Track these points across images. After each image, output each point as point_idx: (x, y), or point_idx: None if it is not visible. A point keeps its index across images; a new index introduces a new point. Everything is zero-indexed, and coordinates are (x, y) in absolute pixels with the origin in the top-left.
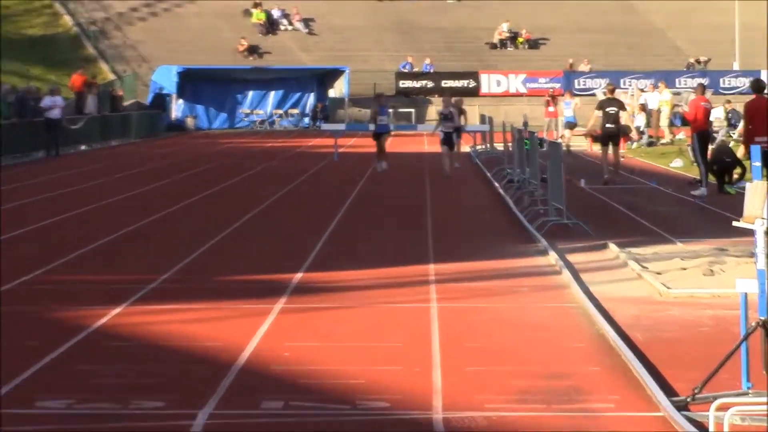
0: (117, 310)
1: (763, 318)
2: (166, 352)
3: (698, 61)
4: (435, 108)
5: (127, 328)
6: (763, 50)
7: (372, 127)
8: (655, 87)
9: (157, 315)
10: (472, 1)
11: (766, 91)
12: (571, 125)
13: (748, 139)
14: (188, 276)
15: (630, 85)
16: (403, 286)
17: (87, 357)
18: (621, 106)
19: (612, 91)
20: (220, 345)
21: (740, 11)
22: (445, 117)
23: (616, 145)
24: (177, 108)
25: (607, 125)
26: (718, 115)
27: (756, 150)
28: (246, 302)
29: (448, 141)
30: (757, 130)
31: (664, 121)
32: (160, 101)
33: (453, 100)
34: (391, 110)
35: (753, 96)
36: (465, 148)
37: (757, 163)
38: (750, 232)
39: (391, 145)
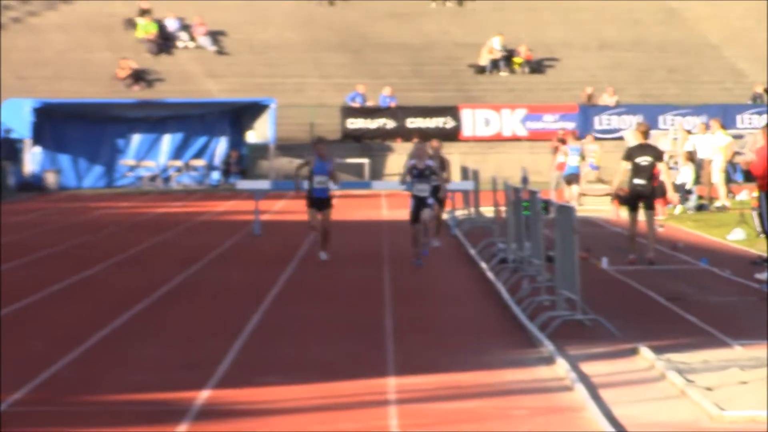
0: None
1: None
2: None
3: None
4: (399, 159)
5: None
6: None
7: (305, 186)
8: (708, 127)
9: None
10: (451, 1)
11: None
12: (572, 178)
13: None
14: (49, 395)
15: (673, 125)
16: (350, 408)
17: None
18: (658, 155)
19: (645, 134)
20: None
21: None
22: (419, 174)
23: (651, 209)
24: (32, 159)
25: (637, 181)
26: None
27: None
28: (130, 431)
29: (423, 206)
30: None
31: (717, 176)
32: (9, 149)
33: (433, 145)
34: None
35: None
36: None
37: None
38: None
39: (336, 210)
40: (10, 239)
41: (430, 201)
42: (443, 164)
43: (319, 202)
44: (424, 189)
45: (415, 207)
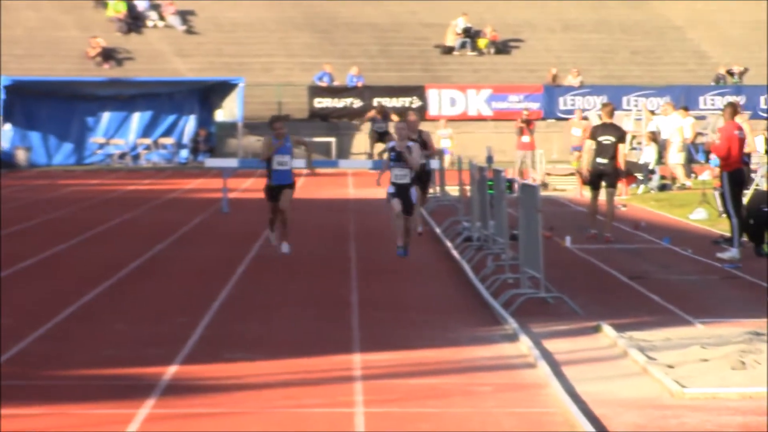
0: None
1: None
2: None
3: (731, 73)
4: (365, 137)
5: None
6: None
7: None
8: (676, 107)
9: None
10: None
11: None
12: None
13: None
14: (17, 369)
15: (636, 106)
16: (316, 384)
17: None
18: (621, 135)
19: (610, 114)
20: None
21: None
22: (398, 157)
23: (612, 187)
24: (3, 136)
25: (599, 160)
26: (757, 148)
27: None
28: (99, 405)
29: (404, 199)
30: None
31: (675, 157)
32: None
33: (411, 119)
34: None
35: None
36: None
37: None
38: None
39: (303, 188)
40: None
41: (413, 190)
42: (424, 140)
43: (281, 186)
44: (404, 174)
45: (396, 191)
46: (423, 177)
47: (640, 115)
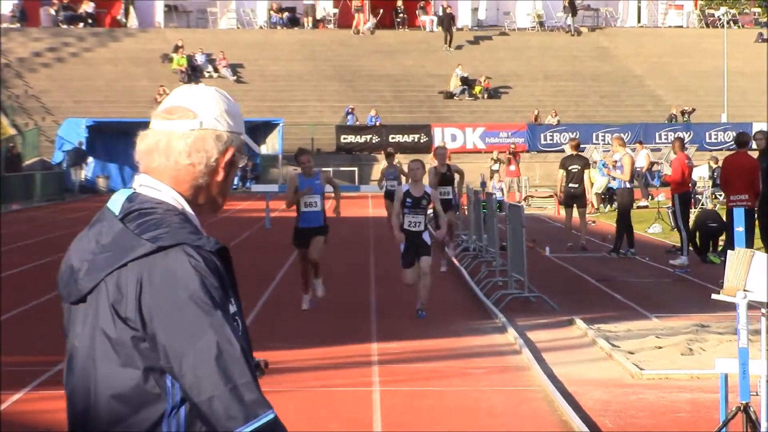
0: (18, 395)
1: (744, 402)
2: None
3: (683, 113)
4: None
5: (29, 416)
6: (754, 100)
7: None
8: (624, 143)
9: (63, 401)
10: (423, 44)
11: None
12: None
13: (726, 199)
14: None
15: (603, 140)
16: (340, 368)
17: None
18: (585, 163)
19: (576, 147)
20: None
21: (729, 56)
22: (414, 203)
23: (582, 207)
24: (87, 167)
25: (570, 185)
26: (702, 174)
27: (739, 213)
28: None
29: (418, 247)
30: (733, 188)
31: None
32: (79, 157)
33: (441, 154)
34: (329, 170)
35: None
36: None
37: (740, 228)
38: (733, 306)
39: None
40: (69, 231)
41: (427, 237)
42: (454, 172)
43: (311, 230)
44: (419, 222)
45: (408, 246)
46: (446, 208)
47: (607, 147)
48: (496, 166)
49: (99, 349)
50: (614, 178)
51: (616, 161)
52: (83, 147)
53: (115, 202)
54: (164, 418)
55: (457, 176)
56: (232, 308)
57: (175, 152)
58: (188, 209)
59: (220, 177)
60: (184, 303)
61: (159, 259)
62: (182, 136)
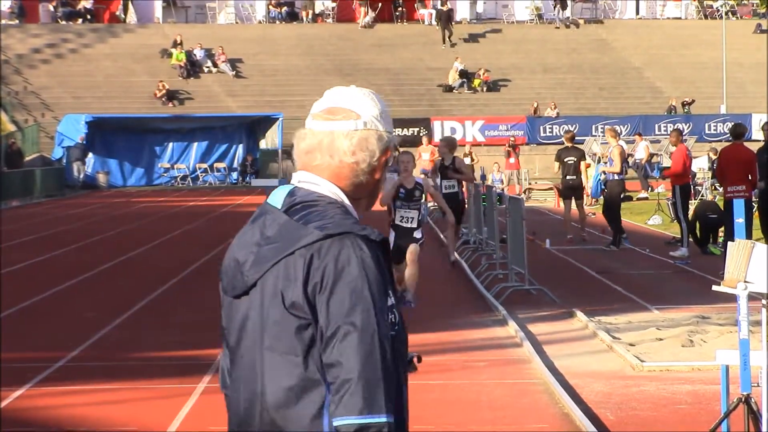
0: (18, 392)
1: (745, 393)
2: None
3: (683, 104)
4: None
5: (31, 413)
6: (753, 91)
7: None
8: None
9: (65, 397)
10: (423, 37)
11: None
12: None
13: (723, 191)
14: (99, 353)
15: (602, 132)
16: None
17: None
18: (581, 155)
19: (571, 139)
20: (136, 430)
21: (728, 47)
22: (407, 196)
23: (580, 199)
24: (87, 163)
25: (567, 177)
26: (701, 165)
27: (739, 204)
28: (165, 381)
29: (405, 242)
30: (730, 180)
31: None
32: (81, 153)
33: (446, 143)
34: None
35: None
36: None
37: (740, 220)
38: (733, 298)
39: None
40: (69, 227)
41: (419, 236)
42: (457, 167)
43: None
44: (411, 218)
45: (396, 244)
46: (455, 206)
47: (606, 140)
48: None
49: (266, 338)
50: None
51: (607, 154)
52: (85, 142)
53: (276, 197)
54: (326, 406)
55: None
56: (390, 300)
57: (340, 151)
58: (347, 202)
59: (378, 175)
60: (345, 290)
61: (326, 247)
62: (346, 136)
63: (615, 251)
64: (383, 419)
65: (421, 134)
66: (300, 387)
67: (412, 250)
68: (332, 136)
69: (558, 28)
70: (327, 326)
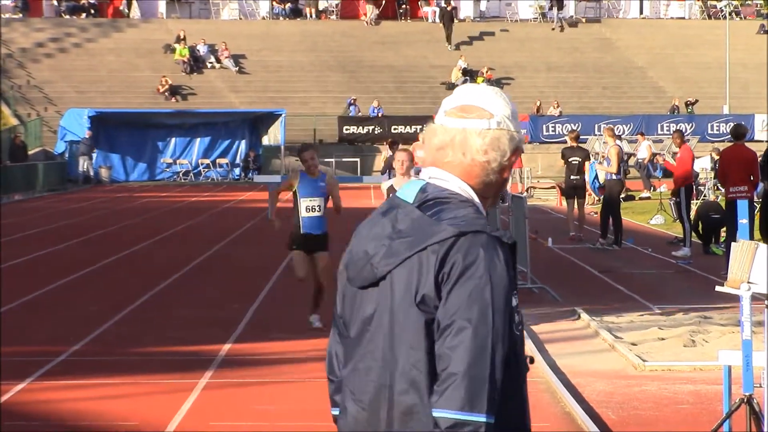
0: (20, 386)
1: (748, 394)
2: None
3: (687, 104)
4: (381, 157)
5: (32, 407)
6: (755, 91)
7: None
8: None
9: (66, 391)
10: (426, 35)
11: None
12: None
13: (725, 191)
14: (101, 348)
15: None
16: None
17: None
18: (585, 155)
19: (575, 139)
20: (137, 425)
21: (731, 47)
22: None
23: (582, 198)
24: (93, 158)
25: (572, 177)
26: (704, 165)
27: (743, 205)
28: (166, 376)
29: None
30: (732, 180)
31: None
32: (88, 148)
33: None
34: (332, 160)
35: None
36: None
37: (744, 221)
38: (736, 298)
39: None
40: (72, 222)
41: None
42: None
43: (311, 240)
44: None
45: None
46: None
47: (632, 138)
48: None
49: (396, 331)
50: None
51: (605, 154)
52: (92, 137)
53: (407, 192)
54: None
55: None
56: (514, 301)
57: (472, 149)
58: (477, 200)
59: (506, 175)
60: (467, 287)
61: (459, 244)
62: (479, 134)
63: (617, 250)
64: (482, 419)
65: (423, 132)
66: (429, 381)
67: None
68: (465, 134)
69: (554, 29)
70: (444, 318)
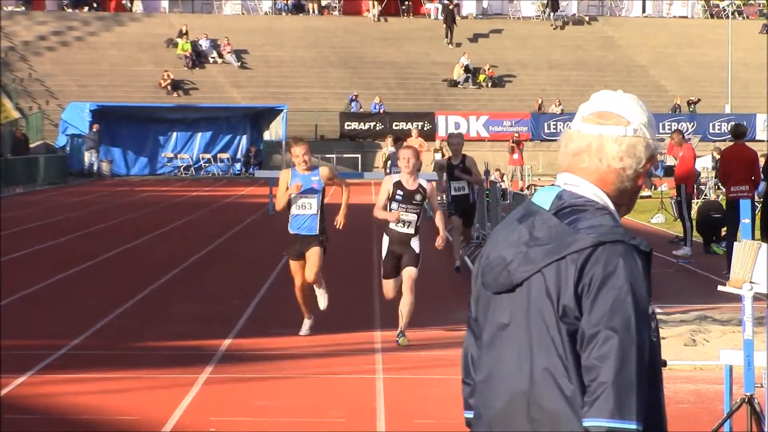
0: (21, 379)
1: (749, 394)
2: (76, 427)
3: (689, 103)
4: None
5: (33, 400)
6: (757, 91)
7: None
8: None
9: (67, 385)
10: (428, 32)
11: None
12: None
13: (726, 191)
14: (102, 342)
15: None
16: (344, 355)
17: None
18: None
19: None
20: (138, 419)
21: (733, 47)
22: (406, 198)
23: None
24: (100, 151)
25: None
26: (705, 164)
27: (746, 205)
28: (167, 371)
29: (402, 257)
30: (733, 180)
31: None
32: (95, 143)
33: (456, 140)
34: (333, 156)
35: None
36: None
37: (747, 220)
38: (737, 298)
39: (333, 196)
40: (73, 215)
41: (416, 247)
42: (468, 167)
43: (302, 242)
44: (409, 222)
45: (390, 251)
46: (467, 210)
47: None
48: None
49: (533, 338)
50: None
51: None
52: (97, 131)
53: (543, 198)
54: None
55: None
56: (651, 307)
57: (609, 156)
58: (612, 208)
59: (640, 182)
60: (609, 296)
61: (597, 253)
62: (615, 141)
63: None
64: (633, 426)
65: (425, 128)
66: (569, 388)
67: (409, 276)
68: (601, 140)
69: (554, 27)
70: (587, 329)
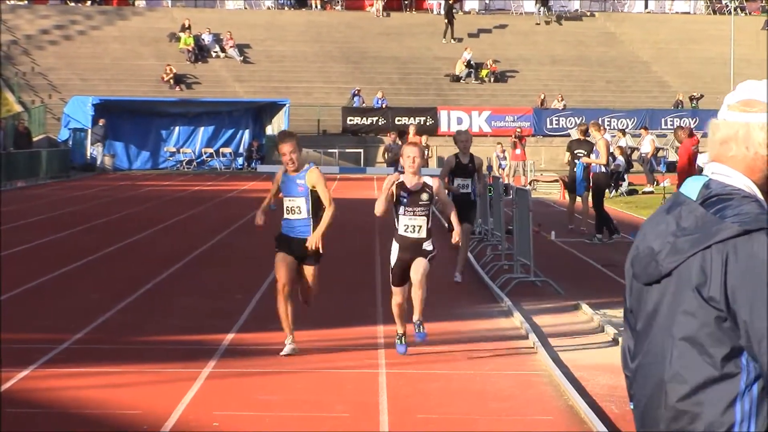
0: (23, 373)
1: None
2: (78, 421)
3: (691, 99)
4: (386, 148)
5: (35, 394)
6: None
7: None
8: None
9: (69, 379)
10: (431, 27)
11: None
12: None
13: None
14: (104, 336)
15: (609, 126)
16: (348, 350)
17: None
18: (591, 149)
19: (584, 132)
20: (141, 414)
21: (736, 43)
22: (411, 200)
23: (586, 191)
24: (93, 146)
25: (575, 170)
26: (706, 161)
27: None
28: (170, 365)
29: (413, 265)
30: None
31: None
32: (102, 138)
33: (463, 137)
34: (336, 151)
35: None
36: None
37: None
38: None
39: (336, 191)
40: (75, 209)
41: (430, 248)
42: (477, 167)
43: (296, 244)
44: (419, 226)
45: (400, 259)
46: (466, 209)
47: (613, 133)
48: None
49: (677, 328)
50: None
51: (623, 147)
52: (103, 125)
53: (691, 189)
54: (738, 396)
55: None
56: None
57: (755, 143)
58: (759, 196)
59: None
60: (762, 286)
61: (744, 242)
62: (762, 128)
63: (620, 244)
64: None
65: (427, 123)
66: (712, 378)
67: (418, 268)
68: (747, 128)
69: (538, 24)
70: (751, 323)
